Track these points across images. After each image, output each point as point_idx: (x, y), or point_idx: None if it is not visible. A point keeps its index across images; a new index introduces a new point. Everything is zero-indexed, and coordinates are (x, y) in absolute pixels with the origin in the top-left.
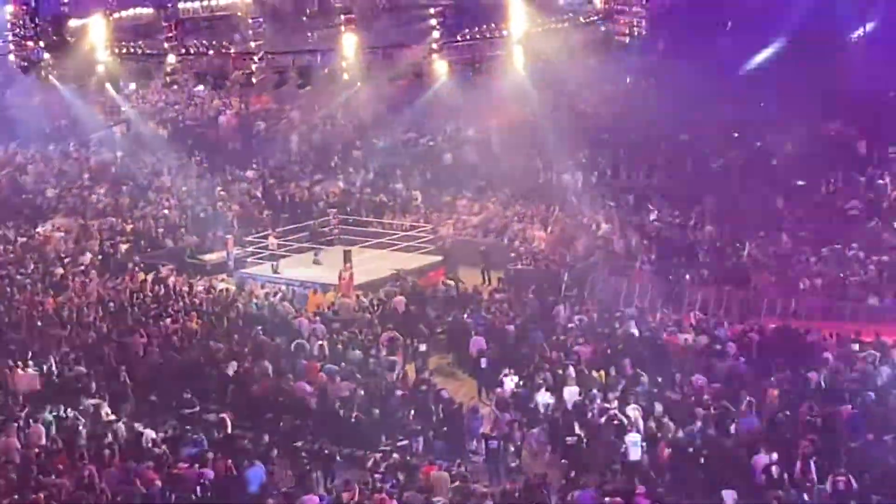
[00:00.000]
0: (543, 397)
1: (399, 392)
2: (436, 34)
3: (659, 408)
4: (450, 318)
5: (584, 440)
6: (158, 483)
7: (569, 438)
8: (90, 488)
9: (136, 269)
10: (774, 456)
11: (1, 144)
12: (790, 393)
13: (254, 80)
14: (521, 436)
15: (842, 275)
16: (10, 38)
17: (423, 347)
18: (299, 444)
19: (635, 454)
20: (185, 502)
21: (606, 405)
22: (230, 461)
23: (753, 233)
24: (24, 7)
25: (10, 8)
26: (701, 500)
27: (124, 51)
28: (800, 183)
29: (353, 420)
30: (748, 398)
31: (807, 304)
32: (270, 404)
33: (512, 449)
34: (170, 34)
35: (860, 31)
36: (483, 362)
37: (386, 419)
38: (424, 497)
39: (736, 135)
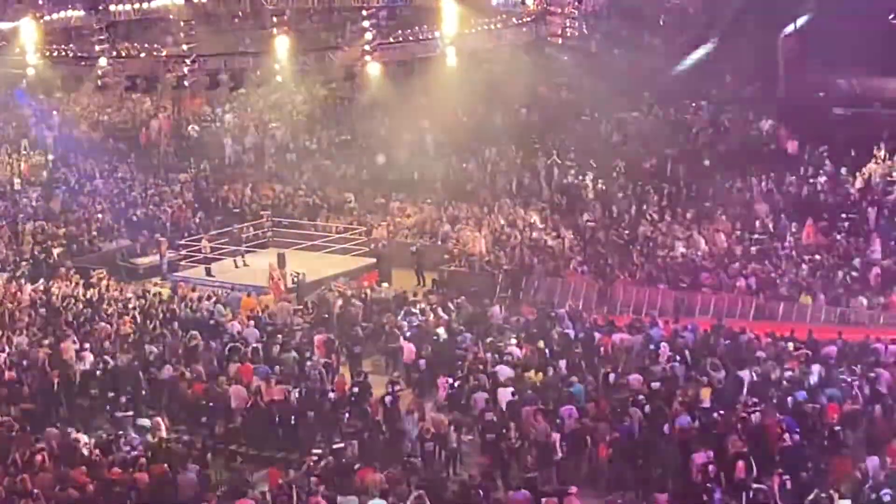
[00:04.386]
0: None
1: (333, 394)
2: (368, 36)
3: (594, 408)
4: (384, 321)
5: (517, 441)
6: (91, 488)
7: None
8: (23, 495)
9: (69, 272)
10: (710, 454)
11: None
12: (723, 392)
13: (186, 82)
14: (456, 437)
15: (774, 274)
16: None
17: (357, 349)
18: (233, 447)
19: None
20: None
21: (541, 405)
22: (164, 465)
23: (687, 232)
24: None
25: None
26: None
27: (55, 54)
28: (736, 183)
29: (287, 423)
30: (682, 398)
31: (740, 303)
32: (204, 408)
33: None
34: (101, 37)
35: (791, 27)
36: (422, 364)
37: (321, 422)
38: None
39: (668, 134)
